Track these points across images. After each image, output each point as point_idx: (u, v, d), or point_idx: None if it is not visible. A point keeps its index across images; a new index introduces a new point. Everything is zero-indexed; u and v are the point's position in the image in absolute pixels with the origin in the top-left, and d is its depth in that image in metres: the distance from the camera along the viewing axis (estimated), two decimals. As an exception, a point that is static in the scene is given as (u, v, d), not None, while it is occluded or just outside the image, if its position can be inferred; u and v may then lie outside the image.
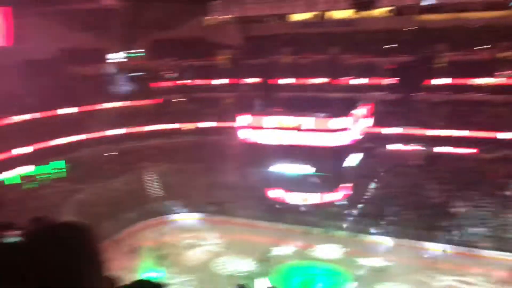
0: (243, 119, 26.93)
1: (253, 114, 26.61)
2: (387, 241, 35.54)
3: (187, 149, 46.89)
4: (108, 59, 49.68)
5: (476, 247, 33.22)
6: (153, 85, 49.23)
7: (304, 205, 36.35)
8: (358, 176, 36.37)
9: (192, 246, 35.94)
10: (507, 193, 36.29)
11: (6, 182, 38.89)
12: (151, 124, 47.66)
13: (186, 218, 41.00)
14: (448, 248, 33.66)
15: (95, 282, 1.57)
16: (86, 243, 1.59)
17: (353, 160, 26.56)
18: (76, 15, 41.57)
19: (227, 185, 42.75)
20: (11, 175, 38.74)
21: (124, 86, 47.77)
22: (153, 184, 43.37)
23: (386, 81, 43.69)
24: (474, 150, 40.00)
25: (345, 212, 38.69)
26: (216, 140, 47.43)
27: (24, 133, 39.93)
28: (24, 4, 39.38)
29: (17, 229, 2.36)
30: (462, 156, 40.46)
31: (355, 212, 38.62)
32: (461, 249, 33.36)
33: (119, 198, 40.06)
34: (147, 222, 39.70)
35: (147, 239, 36.76)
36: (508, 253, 32.15)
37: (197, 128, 48.26)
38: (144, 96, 48.38)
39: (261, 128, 25.98)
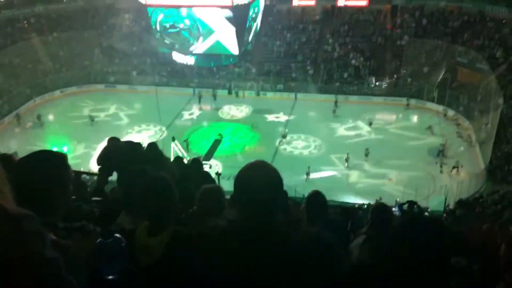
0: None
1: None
2: (291, 96, 37.17)
3: (76, 15, 43.08)
4: None
5: (373, 95, 36.13)
6: None
7: (208, 68, 36.14)
8: (259, 35, 36.13)
9: (97, 118, 34.81)
10: (399, 42, 38.43)
11: None
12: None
13: (86, 90, 39.17)
14: (349, 98, 36.01)
15: None
16: None
17: (253, 18, 25.82)
18: None
19: (125, 51, 40.88)
20: None
21: None
22: (44, 56, 40.01)
23: None
24: (365, 2, 40.70)
25: (248, 72, 39.30)
26: (109, 3, 43.95)
27: None
28: None
29: None
30: (358, 8, 41.17)
31: (257, 71, 39.27)
32: (361, 97, 36.06)
33: (7, 74, 36.87)
34: (45, 97, 37.63)
35: (48, 113, 35.19)
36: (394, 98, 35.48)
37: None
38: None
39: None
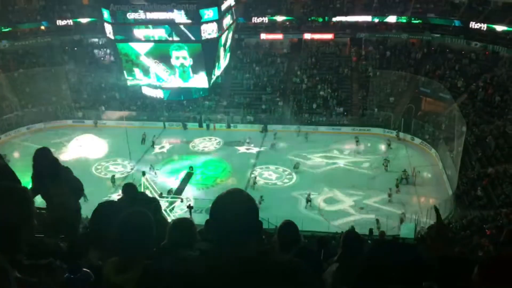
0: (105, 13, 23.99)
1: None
2: (260, 128, 37.38)
3: (44, 51, 42.72)
4: None
5: (341, 125, 36.79)
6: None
7: (178, 101, 36.11)
8: (228, 68, 36.55)
9: (72, 150, 34.04)
10: (364, 74, 39.47)
11: None
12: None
13: (53, 126, 38.41)
14: (318, 129, 36.56)
15: None
16: None
17: (223, 51, 26.06)
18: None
19: (94, 86, 40.61)
20: None
21: None
22: (10, 92, 39.24)
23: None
24: (331, 35, 42.00)
25: (218, 104, 39.50)
26: (77, 39, 43.86)
27: None
28: None
29: None
30: (324, 41, 42.31)
31: (227, 103, 39.51)
32: (330, 128, 36.64)
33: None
34: (11, 134, 36.73)
35: (13, 150, 34.25)
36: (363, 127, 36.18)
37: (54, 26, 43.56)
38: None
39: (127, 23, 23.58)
